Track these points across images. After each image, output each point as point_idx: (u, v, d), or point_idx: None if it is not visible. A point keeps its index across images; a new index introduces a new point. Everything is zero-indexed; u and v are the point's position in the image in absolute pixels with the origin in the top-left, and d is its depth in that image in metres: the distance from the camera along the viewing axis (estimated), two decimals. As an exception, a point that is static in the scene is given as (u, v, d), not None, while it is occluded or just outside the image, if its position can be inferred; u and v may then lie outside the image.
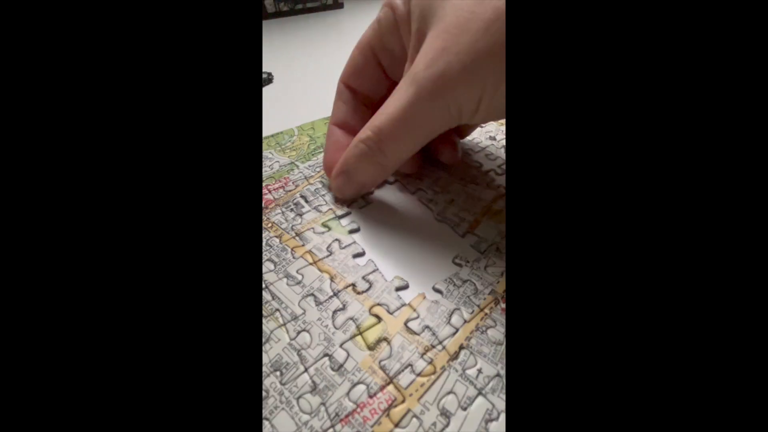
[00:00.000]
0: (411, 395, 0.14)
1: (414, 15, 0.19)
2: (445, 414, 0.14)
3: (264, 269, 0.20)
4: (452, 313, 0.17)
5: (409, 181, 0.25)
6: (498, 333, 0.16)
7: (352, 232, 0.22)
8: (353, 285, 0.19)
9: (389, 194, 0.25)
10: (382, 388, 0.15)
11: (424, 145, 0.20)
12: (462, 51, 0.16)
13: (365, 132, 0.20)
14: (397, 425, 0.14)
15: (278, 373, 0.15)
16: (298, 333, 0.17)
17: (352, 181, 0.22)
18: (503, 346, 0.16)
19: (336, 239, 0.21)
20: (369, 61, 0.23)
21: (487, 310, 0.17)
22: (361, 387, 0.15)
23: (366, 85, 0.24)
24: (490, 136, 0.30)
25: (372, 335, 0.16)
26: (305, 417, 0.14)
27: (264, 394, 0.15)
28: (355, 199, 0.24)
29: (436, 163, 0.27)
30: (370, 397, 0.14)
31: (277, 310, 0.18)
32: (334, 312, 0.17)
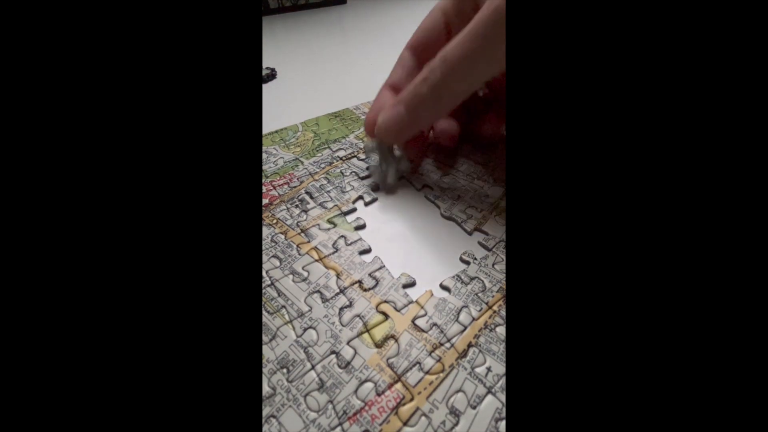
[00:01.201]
0: (419, 393, 0.14)
1: None
2: (455, 413, 0.14)
3: (270, 266, 0.20)
4: (460, 310, 0.17)
5: (415, 178, 0.25)
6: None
7: (358, 228, 0.22)
8: (360, 282, 0.18)
9: (396, 191, 0.24)
10: (390, 386, 0.14)
11: (485, 80, 0.20)
12: None
13: (432, 61, 0.20)
14: (405, 423, 0.13)
15: (285, 370, 0.15)
16: (305, 330, 0.17)
17: (407, 111, 0.21)
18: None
19: (342, 236, 0.21)
20: (437, 26, 0.23)
21: (495, 308, 0.17)
22: (369, 385, 0.15)
23: (430, 51, 0.22)
24: (496, 132, 0.30)
25: (379, 333, 0.16)
26: (312, 415, 0.14)
27: (271, 391, 0.15)
28: (390, 148, 0.24)
29: (441, 160, 0.26)
30: (378, 395, 0.14)
31: (283, 306, 0.18)
32: (341, 309, 0.17)
